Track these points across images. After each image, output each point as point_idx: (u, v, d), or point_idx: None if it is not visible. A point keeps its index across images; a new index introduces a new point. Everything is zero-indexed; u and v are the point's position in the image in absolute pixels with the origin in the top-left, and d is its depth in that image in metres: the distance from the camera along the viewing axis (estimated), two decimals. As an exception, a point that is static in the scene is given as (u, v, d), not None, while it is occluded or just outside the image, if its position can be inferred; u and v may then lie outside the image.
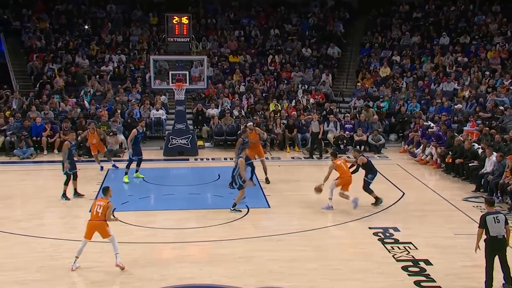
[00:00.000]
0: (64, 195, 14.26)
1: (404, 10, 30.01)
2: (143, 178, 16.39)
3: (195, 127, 22.54)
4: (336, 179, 13.60)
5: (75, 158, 15.55)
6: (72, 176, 14.27)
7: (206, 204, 14.50)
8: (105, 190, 10.39)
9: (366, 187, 13.89)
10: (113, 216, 10.33)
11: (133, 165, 16.33)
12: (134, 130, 16.31)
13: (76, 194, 14.48)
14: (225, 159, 19.35)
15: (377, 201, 13.88)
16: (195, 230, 12.24)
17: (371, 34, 28.77)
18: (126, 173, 16.09)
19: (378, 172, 14.20)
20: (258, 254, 10.84)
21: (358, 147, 20.41)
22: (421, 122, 20.41)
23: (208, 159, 19.63)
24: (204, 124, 22.38)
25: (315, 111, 22.22)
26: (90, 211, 10.39)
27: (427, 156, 18.70)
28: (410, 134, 20.65)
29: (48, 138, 19.95)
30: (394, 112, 23.10)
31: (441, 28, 28.15)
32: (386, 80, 25.45)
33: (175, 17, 21.58)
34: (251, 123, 17.21)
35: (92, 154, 17.87)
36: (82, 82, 24.32)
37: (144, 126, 17.45)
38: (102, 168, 17.51)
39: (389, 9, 30.31)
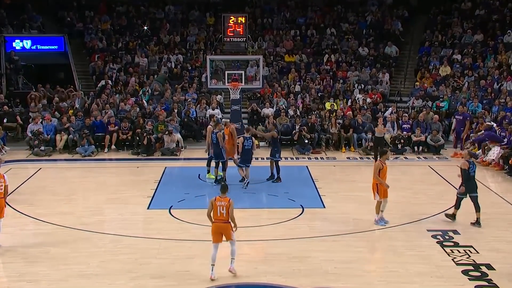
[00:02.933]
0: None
1: (466, 7, 29.09)
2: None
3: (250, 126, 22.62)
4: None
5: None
6: (221, 163, 15.65)
7: (261, 203, 14.53)
8: (224, 188, 9.96)
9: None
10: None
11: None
12: (220, 133, 16.06)
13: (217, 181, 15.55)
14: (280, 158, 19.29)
15: None
16: (249, 229, 12.25)
17: (430, 33, 28.05)
18: (224, 169, 16.08)
19: None
20: (313, 254, 10.77)
21: (416, 147, 20.03)
22: (482, 122, 19.74)
23: (263, 158, 19.62)
24: (259, 124, 22.44)
25: (370, 113, 21.81)
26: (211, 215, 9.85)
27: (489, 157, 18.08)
28: (472, 135, 20.02)
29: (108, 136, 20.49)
30: (454, 112, 22.42)
31: (506, 25, 27.12)
32: (446, 79, 24.77)
33: (231, 17, 21.81)
34: (228, 121, 18.48)
35: None
36: (163, 79, 24.92)
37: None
38: None
39: (450, 6, 29.47)
